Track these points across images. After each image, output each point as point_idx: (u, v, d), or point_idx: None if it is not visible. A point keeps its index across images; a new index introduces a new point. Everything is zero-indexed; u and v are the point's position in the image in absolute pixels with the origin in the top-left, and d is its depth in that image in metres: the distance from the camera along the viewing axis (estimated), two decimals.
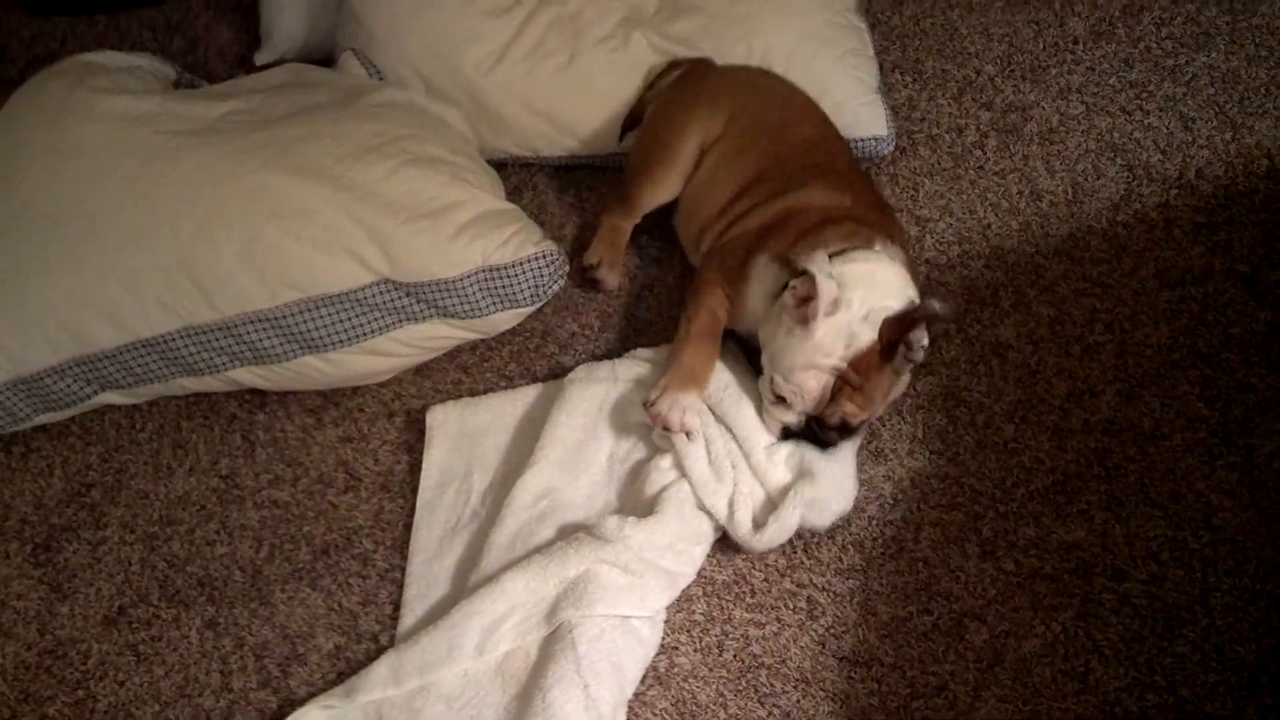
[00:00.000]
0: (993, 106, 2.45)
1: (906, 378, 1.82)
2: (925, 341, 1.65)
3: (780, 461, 1.80)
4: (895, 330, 1.65)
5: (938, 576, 1.79)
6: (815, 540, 1.80)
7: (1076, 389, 1.96)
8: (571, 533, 1.80)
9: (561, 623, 1.69)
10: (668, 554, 1.76)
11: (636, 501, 1.85)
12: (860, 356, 1.66)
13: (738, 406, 1.80)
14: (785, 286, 1.72)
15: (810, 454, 1.76)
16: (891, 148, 2.35)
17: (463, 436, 2.01)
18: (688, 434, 1.78)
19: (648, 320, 2.13)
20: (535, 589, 1.72)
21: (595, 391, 1.95)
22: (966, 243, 2.21)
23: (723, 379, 1.83)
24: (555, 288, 2.06)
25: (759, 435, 1.81)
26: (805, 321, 1.66)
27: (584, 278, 2.16)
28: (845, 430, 1.74)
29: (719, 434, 1.82)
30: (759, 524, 1.74)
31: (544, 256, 2.02)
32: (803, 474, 1.74)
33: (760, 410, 1.82)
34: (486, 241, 1.99)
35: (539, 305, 2.06)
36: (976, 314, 2.09)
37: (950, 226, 2.25)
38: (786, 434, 1.77)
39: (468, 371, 2.14)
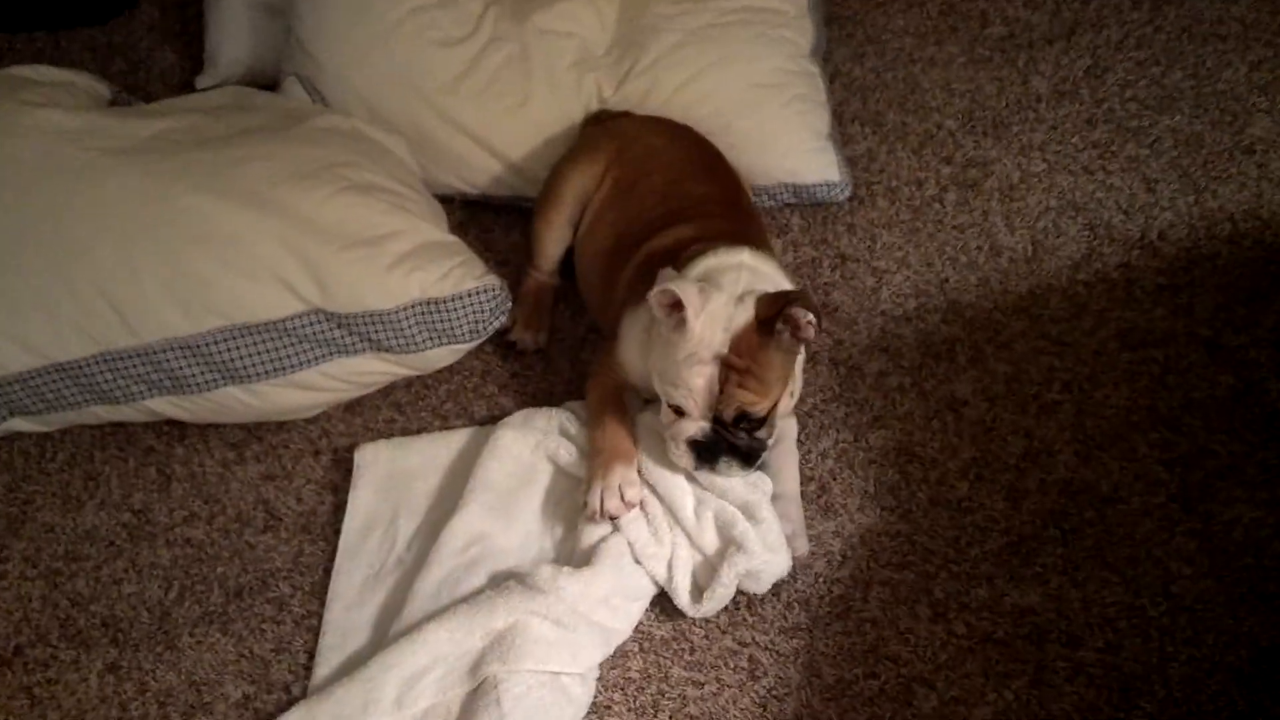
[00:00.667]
0: (953, 161, 2.43)
1: (801, 360, 1.78)
2: (811, 318, 1.60)
3: (709, 526, 1.74)
4: (772, 304, 1.61)
5: (886, 639, 1.73)
6: (759, 597, 1.74)
7: (1033, 448, 1.92)
8: (502, 581, 1.73)
9: (486, 678, 1.61)
10: (603, 608, 1.69)
11: (572, 551, 1.79)
12: (741, 338, 1.62)
13: (659, 470, 1.76)
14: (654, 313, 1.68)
15: (737, 519, 1.70)
16: (846, 194, 2.33)
17: (391, 478, 1.93)
18: (632, 507, 1.75)
19: (592, 363, 2.04)
20: (459, 641, 1.64)
21: (530, 438, 1.89)
22: (924, 296, 2.18)
23: (644, 448, 1.80)
24: (496, 324, 2.00)
25: (685, 498, 1.75)
26: (681, 326, 1.62)
27: (503, 341, 2.11)
28: (751, 426, 1.68)
29: (652, 497, 1.76)
30: (699, 585, 1.71)
31: (485, 291, 1.96)
32: (733, 543, 1.68)
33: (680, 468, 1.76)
34: (425, 273, 1.93)
35: (478, 342, 2.00)
36: (932, 369, 2.05)
37: (907, 279, 2.21)
38: (699, 452, 1.69)
39: (401, 410, 2.07)
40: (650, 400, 1.83)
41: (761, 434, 1.72)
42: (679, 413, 1.70)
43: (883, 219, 2.33)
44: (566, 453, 1.87)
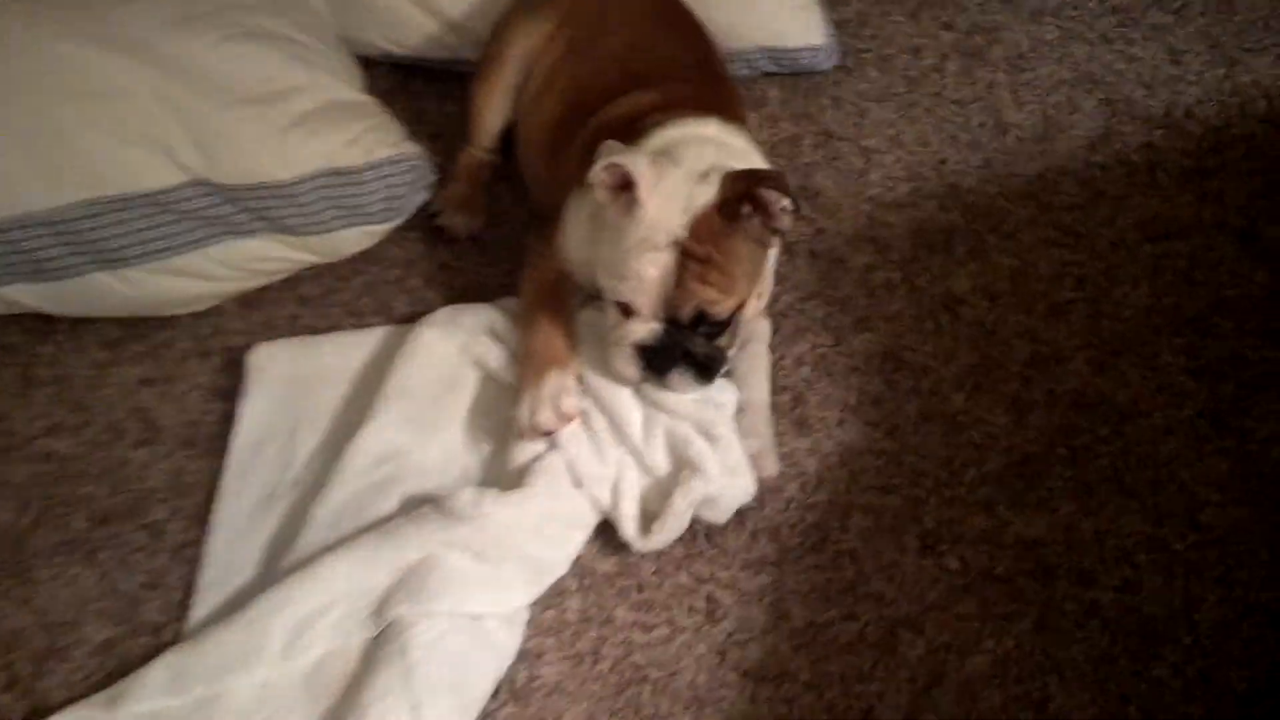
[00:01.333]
0: (955, 26, 2.25)
1: (774, 256, 1.58)
2: (786, 203, 1.41)
3: (660, 444, 1.53)
4: (741, 184, 1.42)
5: (867, 575, 1.53)
6: (719, 527, 1.56)
7: (1040, 354, 1.74)
8: (416, 507, 1.51)
9: (392, 622, 1.39)
10: (535, 539, 1.48)
11: (501, 473, 1.57)
12: (702, 221, 1.42)
13: (603, 380, 1.55)
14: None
15: (692, 438, 1.51)
16: (832, 62, 2.14)
17: (292, 384, 1.69)
18: (569, 420, 1.53)
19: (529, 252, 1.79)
20: (362, 577, 1.42)
21: (456, 339, 1.66)
22: (918, 179, 2.00)
23: (586, 353, 1.59)
24: (416, 201, 1.76)
25: (631, 412, 1.54)
26: (631, 208, 1.43)
27: (429, 226, 1.89)
28: (711, 330, 1.47)
29: (595, 410, 1.55)
30: (649, 513, 1.53)
31: (402, 161, 1.72)
32: (688, 465, 1.50)
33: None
34: (330, 138, 1.68)
35: (395, 223, 1.78)
36: (925, 262, 1.87)
37: (900, 160, 2.03)
38: (648, 359, 1.47)
39: (307, 305, 1.83)
40: (595, 298, 1.62)
41: (722, 341, 1.50)
42: (626, 312, 1.48)
43: (873, 91, 2.14)
44: (496, 358, 1.64)
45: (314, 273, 1.85)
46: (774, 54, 2.11)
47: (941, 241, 1.90)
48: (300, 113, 1.69)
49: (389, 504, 1.54)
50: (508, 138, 1.95)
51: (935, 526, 1.58)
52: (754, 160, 1.58)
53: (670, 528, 1.49)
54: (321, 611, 1.41)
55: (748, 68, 2.12)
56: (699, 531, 1.56)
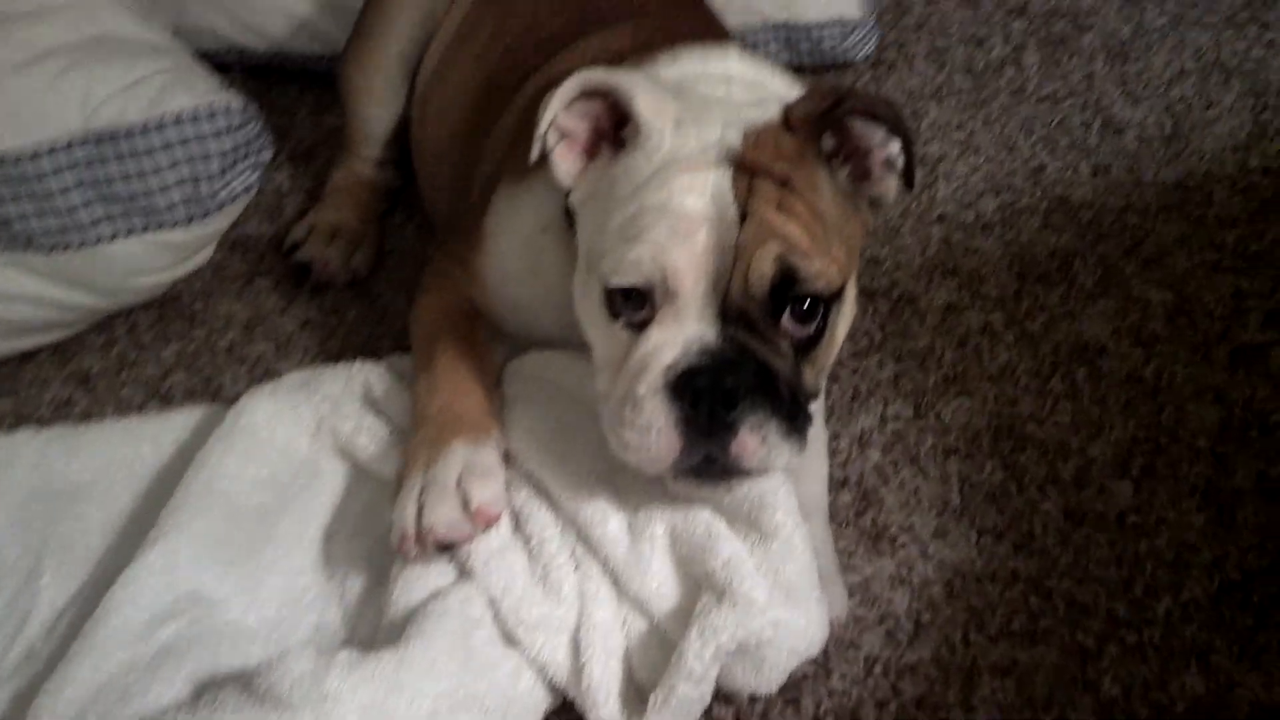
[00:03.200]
0: (1026, 11, 1.97)
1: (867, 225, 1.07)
2: (895, 148, 0.98)
3: (658, 554, 1.01)
4: (820, 102, 0.97)
5: None
6: (762, 701, 1.08)
7: (1235, 419, 1.34)
8: (223, 685, 0.97)
9: None
10: None
11: (373, 623, 1.06)
12: (766, 137, 0.96)
13: (551, 453, 1.07)
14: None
15: (720, 535, 0.99)
16: (870, 46, 1.88)
17: (36, 498, 1.22)
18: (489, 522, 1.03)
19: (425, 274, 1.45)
20: None
21: (306, 415, 1.19)
22: (1008, 191, 1.67)
23: (521, 419, 1.11)
24: (241, 187, 1.32)
25: (605, 503, 1.03)
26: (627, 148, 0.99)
27: (287, 264, 1.54)
28: (803, 312, 0.94)
29: (537, 504, 1.06)
30: (638, 681, 1.01)
31: (215, 116, 1.27)
32: (709, 587, 0.98)
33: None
34: (96, 81, 1.24)
35: (208, 227, 1.33)
36: (1036, 298, 1.50)
37: (977, 169, 1.71)
38: (695, 393, 0.90)
39: (89, 385, 1.39)
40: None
41: (809, 366, 0.98)
42: (638, 321, 0.95)
43: (928, 88, 1.86)
44: (372, 441, 1.14)
45: (104, 338, 1.45)
46: (790, 33, 1.77)
47: (1057, 270, 1.51)
48: (47, 46, 1.25)
49: (171, 690, 1.00)
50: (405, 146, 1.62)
51: (1120, 694, 1.09)
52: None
53: (678, 701, 0.94)
54: None
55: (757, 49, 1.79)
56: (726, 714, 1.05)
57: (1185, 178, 1.64)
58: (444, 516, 0.96)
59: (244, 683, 0.92)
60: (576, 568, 1.01)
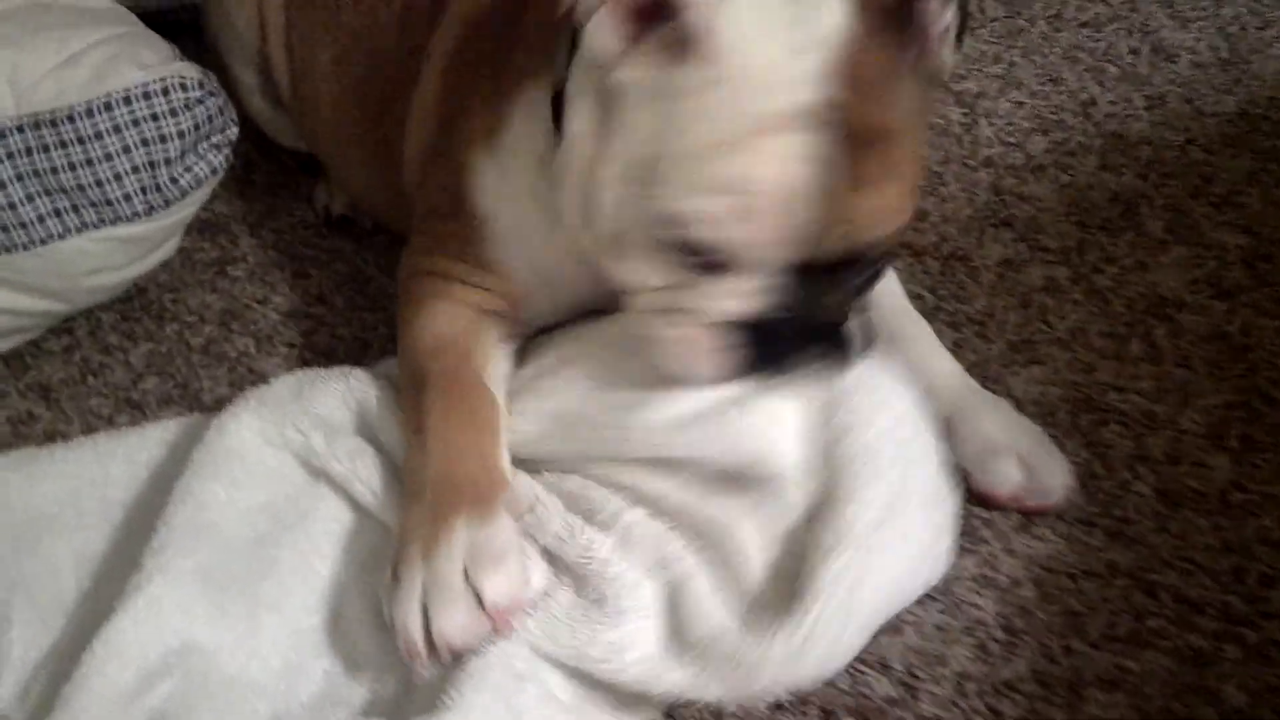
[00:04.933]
0: None
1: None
2: (950, 16, 0.88)
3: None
4: None
5: None
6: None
7: None
8: None
9: None
10: None
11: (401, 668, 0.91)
12: (857, 58, 0.84)
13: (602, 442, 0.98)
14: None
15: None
16: None
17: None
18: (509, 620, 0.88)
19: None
20: None
21: (292, 441, 1.04)
22: (1058, 129, 1.55)
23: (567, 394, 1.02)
24: (213, 166, 1.16)
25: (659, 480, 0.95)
26: (681, 57, 0.84)
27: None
28: (867, 274, 0.92)
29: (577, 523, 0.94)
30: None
31: (171, 92, 1.12)
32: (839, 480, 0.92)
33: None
34: (24, 54, 1.09)
35: (168, 218, 1.17)
36: (1102, 248, 1.36)
37: (1022, 106, 1.60)
38: (758, 347, 0.90)
39: (49, 396, 1.25)
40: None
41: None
42: (704, 264, 0.88)
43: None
44: (369, 475, 1.00)
45: (64, 342, 1.31)
46: None
47: (1120, 217, 1.38)
48: None
49: None
50: None
51: (1245, 703, 0.95)
52: None
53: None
54: None
55: None
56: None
57: (1248, 105, 1.53)
58: (455, 621, 0.83)
59: None
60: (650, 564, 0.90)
